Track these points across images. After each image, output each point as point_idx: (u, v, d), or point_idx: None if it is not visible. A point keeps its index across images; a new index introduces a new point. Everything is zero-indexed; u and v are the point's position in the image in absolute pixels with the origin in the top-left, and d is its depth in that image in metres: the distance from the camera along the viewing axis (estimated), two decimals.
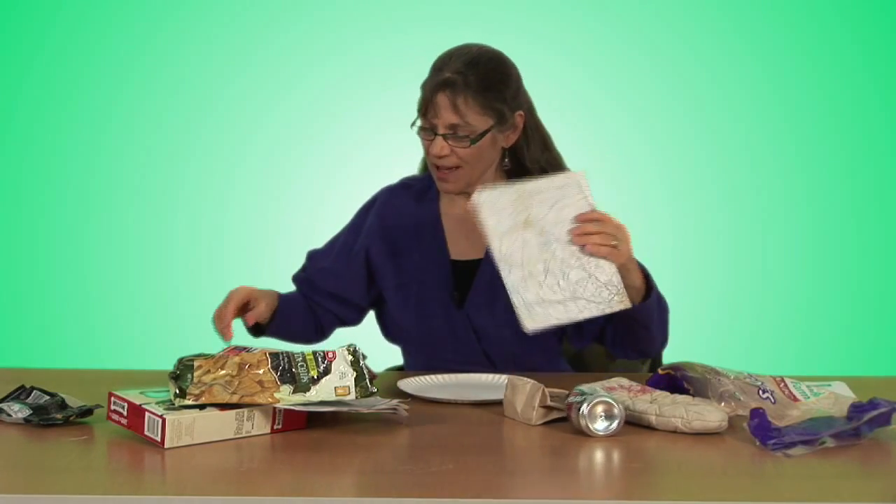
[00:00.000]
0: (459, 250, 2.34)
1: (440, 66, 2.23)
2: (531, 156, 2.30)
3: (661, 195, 4.19)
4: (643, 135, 4.19)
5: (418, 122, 2.23)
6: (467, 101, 2.18)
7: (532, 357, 2.29)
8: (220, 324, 2.16)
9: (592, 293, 2.03)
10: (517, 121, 2.26)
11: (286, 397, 1.76)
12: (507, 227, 2.03)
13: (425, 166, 2.38)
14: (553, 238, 2.03)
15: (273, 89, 4.21)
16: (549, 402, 1.84)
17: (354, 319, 2.42)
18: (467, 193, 2.32)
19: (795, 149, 4.20)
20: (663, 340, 2.28)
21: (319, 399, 1.77)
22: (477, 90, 2.19)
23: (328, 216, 2.63)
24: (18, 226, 4.25)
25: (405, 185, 2.42)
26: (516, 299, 2.01)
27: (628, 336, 2.23)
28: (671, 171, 4.19)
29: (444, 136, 2.20)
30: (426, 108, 2.20)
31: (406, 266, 2.34)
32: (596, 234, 2.03)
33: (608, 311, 2.04)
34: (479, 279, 2.30)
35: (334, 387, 1.79)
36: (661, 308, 2.19)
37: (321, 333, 2.41)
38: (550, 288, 2.02)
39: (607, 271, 2.03)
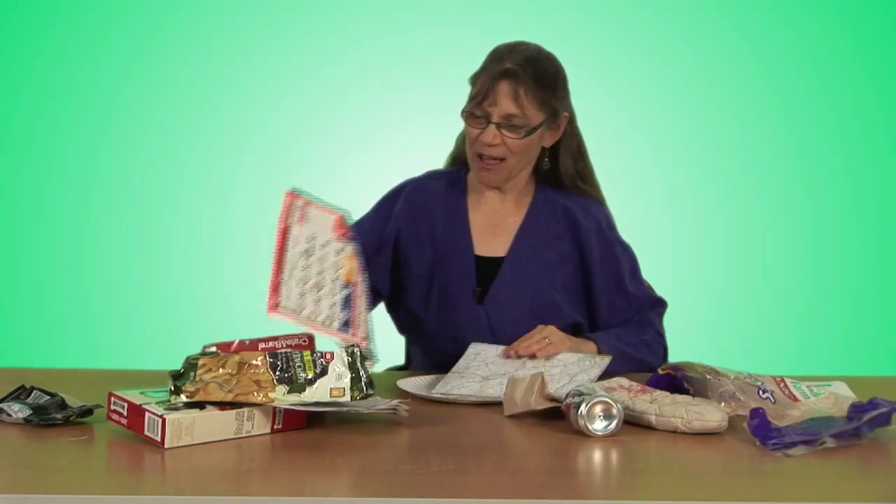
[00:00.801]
0: (484, 246, 2.35)
1: (500, 57, 2.25)
2: (566, 162, 2.35)
3: (661, 195, 4.19)
4: (643, 135, 4.19)
5: (468, 109, 2.25)
6: (527, 92, 2.22)
7: None
8: None
9: (579, 368, 2.11)
10: (562, 121, 2.30)
11: (280, 397, 1.76)
12: (478, 387, 2.07)
13: (453, 161, 2.40)
14: (511, 370, 2.09)
15: (273, 89, 4.21)
16: (548, 391, 1.84)
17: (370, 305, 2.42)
18: (498, 189, 2.33)
19: (795, 149, 4.20)
20: (654, 363, 2.31)
21: (314, 400, 1.77)
22: (536, 84, 2.23)
23: None
24: (18, 226, 4.25)
25: (433, 177, 2.43)
26: (554, 383, 2.03)
27: None
28: (671, 171, 4.20)
29: (498, 126, 2.21)
30: (484, 95, 2.22)
31: (430, 256, 2.35)
32: (531, 344, 2.14)
33: (603, 366, 2.11)
34: (502, 277, 2.31)
35: (330, 388, 1.79)
36: (625, 357, 2.22)
37: None
38: (554, 382, 2.05)
39: (567, 355, 2.14)
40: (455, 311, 2.30)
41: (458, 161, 2.40)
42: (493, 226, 2.35)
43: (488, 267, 2.34)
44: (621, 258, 2.35)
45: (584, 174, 2.37)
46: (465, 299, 2.31)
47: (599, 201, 2.40)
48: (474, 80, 2.26)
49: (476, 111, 2.24)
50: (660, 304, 2.41)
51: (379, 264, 2.36)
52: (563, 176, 2.35)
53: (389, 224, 2.37)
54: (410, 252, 2.36)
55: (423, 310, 2.35)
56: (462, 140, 2.37)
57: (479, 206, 2.36)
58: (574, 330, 2.29)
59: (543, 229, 2.34)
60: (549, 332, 2.17)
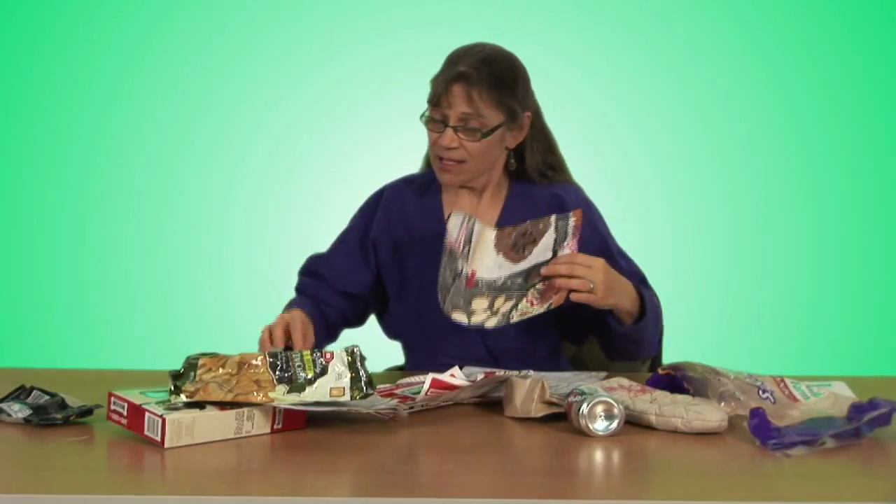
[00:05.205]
0: None
1: (455, 60, 2.23)
2: (533, 158, 2.31)
3: (661, 195, 4.19)
4: (643, 135, 4.19)
5: (427, 113, 2.24)
6: (482, 93, 2.19)
7: (535, 354, 2.29)
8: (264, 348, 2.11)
9: (576, 378, 2.09)
10: (525, 121, 2.27)
11: (280, 396, 1.76)
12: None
13: (428, 163, 2.39)
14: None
15: (273, 89, 4.21)
16: (548, 397, 1.84)
17: (360, 318, 2.42)
18: (470, 188, 2.32)
19: (795, 149, 4.20)
20: (654, 350, 2.32)
21: (314, 399, 1.77)
22: (491, 85, 2.20)
23: (328, 216, 2.63)
24: (18, 226, 4.25)
25: (407, 181, 2.42)
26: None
27: (620, 349, 2.28)
28: (671, 171, 4.20)
29: (455, 129, 2.21)
30: (439, 98, 2.21)
31: (409, 262, 2.34)
32: (568, 279, 2.06)
33: (600, 378, 2.09)
34: None
35: (330, 388, 1.79)
36: (655, 325, 2.22)
37: (332, 335, 2.40)
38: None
39: (564, 374, 2.13)
40: (438, 313, 2.29)
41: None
42: None
43: None
44: (607, 237, 2.33)
45: (555, 166, 2.35)
46: None
47: (575, 184, 2.38)
48: (432, 83, 2.25)
49: (434, 115, 2.23)
50: (649, 285, 2.34)
51: (365, 275, 2.37)
52: (529, 171, 2.32)
53: (370, 233, 2.38)
54: (389, 260, 2.36)
55: (407, 315, 2.34)
56: None
57: (454, 206, 2.35)
58: (560, 322, 2.29)
59: (521, 222, 2.32)
60: (595, 269, 2.06)
